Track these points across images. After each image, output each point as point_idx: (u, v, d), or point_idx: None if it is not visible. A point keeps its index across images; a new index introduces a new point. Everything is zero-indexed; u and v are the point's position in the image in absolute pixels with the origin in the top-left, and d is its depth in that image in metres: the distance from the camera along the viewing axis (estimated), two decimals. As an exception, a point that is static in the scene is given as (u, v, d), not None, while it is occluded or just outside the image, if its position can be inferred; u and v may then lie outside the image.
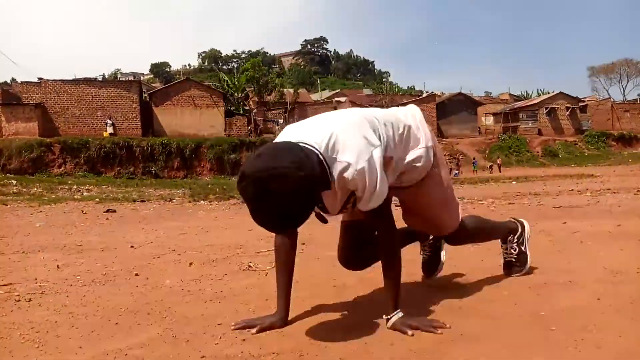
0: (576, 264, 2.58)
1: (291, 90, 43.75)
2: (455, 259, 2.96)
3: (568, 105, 44.76)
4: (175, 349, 1.52)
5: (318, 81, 75.43)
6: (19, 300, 2.27)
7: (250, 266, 2.97)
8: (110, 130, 30.64)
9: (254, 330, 1.66)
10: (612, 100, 50.49)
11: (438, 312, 1.78)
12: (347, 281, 2.38)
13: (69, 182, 20.44)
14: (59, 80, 31.04)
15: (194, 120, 32.57)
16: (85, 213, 8.18)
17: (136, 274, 2.84)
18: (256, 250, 3.56)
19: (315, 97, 55.61)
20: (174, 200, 11.44)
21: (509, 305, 1.86)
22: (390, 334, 1.57)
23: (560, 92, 45.90)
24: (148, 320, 1.88)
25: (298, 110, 38.16)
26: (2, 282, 2.70)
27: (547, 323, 1.62)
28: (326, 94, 59.14)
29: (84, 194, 14.42)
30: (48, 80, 30.91)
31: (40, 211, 8.69)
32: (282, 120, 37.06)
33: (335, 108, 33.45)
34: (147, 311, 2.00)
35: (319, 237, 3.68)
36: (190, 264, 3.12)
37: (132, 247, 4.06)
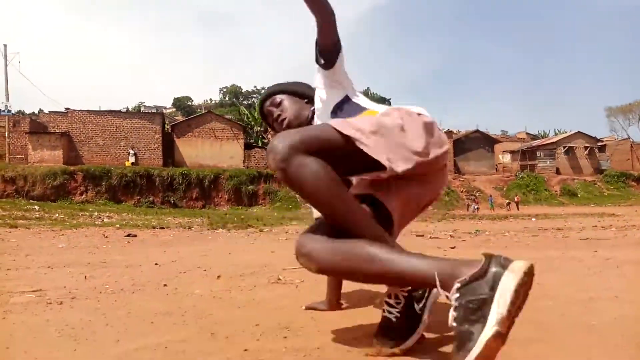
0: (618, 284, 2.50)
1: (308, 125, 44.20)
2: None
3: (586, 144, 44.35)
4: (217, 344, 1.48)
5: (335, 117, 76.02)
6: (51, 303, 2.26)
7: (279, 279, 2.92)
8: (132, 159, 31.20)
9: None
10: (631, 140, 49.88)
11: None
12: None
13: (90, 209, 20.69)
14: (85, 110, 31.89)
15: (214, 152, 33.03)
16: (106, 237, 8.23)
17: (165, 285, 2.81)
18: (283, 267, 3.52)
19: (332, 132, 55.98)
20: (193, 228, 11.48)
21: (556, 315, 1.79)
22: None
23: (579, 132, 45.56)
24: (183, 320, 1.84)
25: (316, 144, 38.35)
26: (32, 289, 2.69)
27: (601, 330, 1.54)
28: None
29: (105, 220, 14.55)
30: (74, 110, 31.80)
31: (62, 234, 8.77)
32: (299, 153, 37.29)
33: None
34: (181, 314, 1.97)
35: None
36: (218, 276, 3.09)
37: (156, 264, 4.04)
